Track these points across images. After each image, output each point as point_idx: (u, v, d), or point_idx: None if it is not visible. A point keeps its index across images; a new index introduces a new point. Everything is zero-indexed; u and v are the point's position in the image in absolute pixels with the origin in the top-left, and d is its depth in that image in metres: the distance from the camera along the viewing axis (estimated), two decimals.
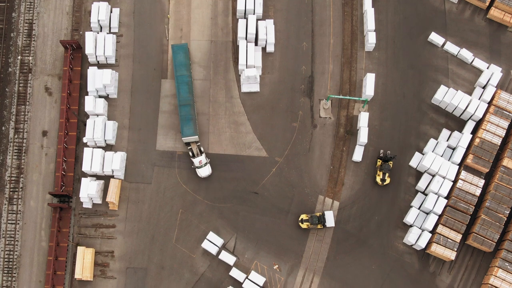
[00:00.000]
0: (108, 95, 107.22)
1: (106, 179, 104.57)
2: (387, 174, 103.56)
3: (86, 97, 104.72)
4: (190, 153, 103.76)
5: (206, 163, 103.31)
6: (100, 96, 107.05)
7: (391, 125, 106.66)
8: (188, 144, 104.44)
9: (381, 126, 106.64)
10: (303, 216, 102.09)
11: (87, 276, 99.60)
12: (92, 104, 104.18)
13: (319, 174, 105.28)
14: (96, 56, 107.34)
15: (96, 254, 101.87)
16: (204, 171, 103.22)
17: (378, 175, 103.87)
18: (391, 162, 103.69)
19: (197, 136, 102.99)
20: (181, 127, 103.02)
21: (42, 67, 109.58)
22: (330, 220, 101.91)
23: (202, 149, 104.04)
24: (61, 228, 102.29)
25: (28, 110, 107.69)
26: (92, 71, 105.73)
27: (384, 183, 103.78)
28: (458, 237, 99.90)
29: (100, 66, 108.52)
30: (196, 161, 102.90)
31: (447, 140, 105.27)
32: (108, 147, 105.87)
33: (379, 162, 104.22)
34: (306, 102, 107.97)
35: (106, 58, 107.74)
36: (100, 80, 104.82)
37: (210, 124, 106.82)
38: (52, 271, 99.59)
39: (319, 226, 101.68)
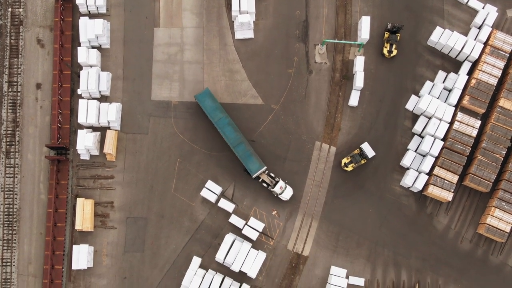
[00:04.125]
0: (100, 45, 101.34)
1: (102, 130, 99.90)
2: (394, 46, 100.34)
3: (78, 48, 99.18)
4: (265, 184, 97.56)
5: (286, 186, 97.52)
6: (92, 47, 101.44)
7: (387, 68, 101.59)
8: (257, 177, 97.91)
9: (376, 69, 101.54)
10: (344, 160, 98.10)
11: (88, 227, 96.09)
12: (85, 55, 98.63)
13: (316, 120, 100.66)
14: (87, 6, 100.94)
15: (95, 205, 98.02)
16: (288, 194, 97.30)
17: (385, 47, 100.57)
18: (399, 34, 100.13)
19: (265, 167, 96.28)
20: (246, 166, 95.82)
21: (33, 18, 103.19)
22: (369, 151, 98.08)
23: (272, 174, 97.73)
24: (60, 180, 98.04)
25: (21, 63, 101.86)
26: (83, 22, 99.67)
27: (391, 55, 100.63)
28: (454, 179, 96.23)
29: (91, 16, 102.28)
30: (277, 189, 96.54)
31: (443, 82, 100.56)
32: (103, 98, 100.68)
33: (386, 35, 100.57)
34: (301, 47, 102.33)
35: (97, 7, 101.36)
36: (92, 31, 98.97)
37: (204, 72, 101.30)
38: (52, 223, 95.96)
39: (362, 162, 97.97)
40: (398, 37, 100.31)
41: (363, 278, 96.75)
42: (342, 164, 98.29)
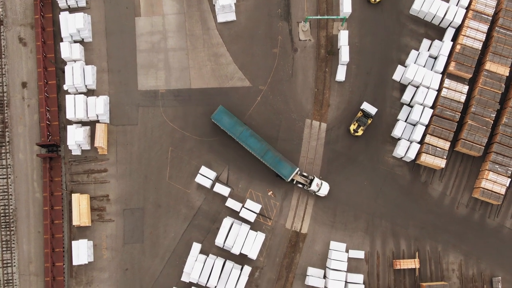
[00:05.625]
0: (83, 39, 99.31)
1: (91, 124, 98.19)
2: None
3: (61, 43, 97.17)
4: (300, 185, 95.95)
5: (321, 182, 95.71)
6: (75, 41, 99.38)
7: (371, 40, 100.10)
8: (292, 179, 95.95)
9: (361, 42, 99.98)
10: (352, 127, 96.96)
11: (85, 222, 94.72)
12: (68, 50, 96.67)
13: (304, 98, 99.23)
14: (66, 0, 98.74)
15: (91, 199, 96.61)
16: (325, 189, 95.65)
17: None
18: None
19: (297, 168, 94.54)
20: (278, 172, 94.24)
21: (13, 17, 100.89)
22: (371, 109, 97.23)
23: (305, 173, 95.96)
24: (53, 178, 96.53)
25: (4, 63, 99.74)
26: (64, 17, 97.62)
27: (377, 0, 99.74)
28: (446, 145, 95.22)
29: (71, 10, 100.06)
30: (313, 187, 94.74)
31: (428, 50, 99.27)
32: (89, 92, 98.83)
33: None
34: (284, 26, 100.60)
35: (77, 1, 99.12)
36: (73, 25, 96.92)
37: (189, 58, 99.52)
38: (49, 220, 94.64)
39: (369, 121, 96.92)
40: None
41: (362, 250, 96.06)
42: (352, 132, 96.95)
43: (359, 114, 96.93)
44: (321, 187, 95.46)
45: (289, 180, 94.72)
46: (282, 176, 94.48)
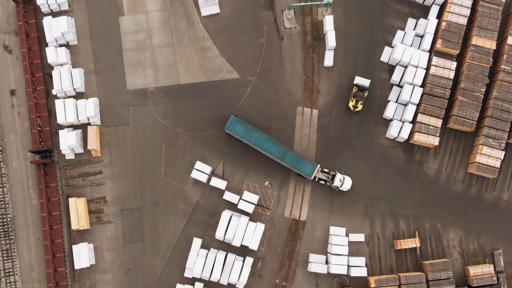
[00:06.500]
0: (68, 42, 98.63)
1: (83, 127, 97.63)
2: None
3: (46, 48, 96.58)
4: (322, 182, 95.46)
5: (343, 177, 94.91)
6: (60, 45, 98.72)
7: (356, 23, 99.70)
8: (314, 177, 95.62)
9: (347, 26, 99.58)
10: (351, 104, 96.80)
11: (84, 225, 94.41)
12: (54, 55, 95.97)
13: (294, 86, 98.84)
14: (49, 5, 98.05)
15: (88, 202, 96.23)
16: (348, 184, 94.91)
17: None
18: None
19: (318, 165, 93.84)
20: (300, 172, 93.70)
21: None
22: (365, 82, 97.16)
23: (325, 169, 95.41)
24: (49, 183, 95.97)
25: None
26: (47, 21, 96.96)
27: None
28: (438, 123, 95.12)
29: (54, 14, 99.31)
30: (336, 182, 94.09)
31: (414, 29, 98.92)
32: (79, 95, 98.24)
33: None
34: (269, 15, 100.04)
35: (59, 5, 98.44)
36: (57, 29, 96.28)
37: (176, 54, 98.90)
38: (48, 226, 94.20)
39: (366, 94, 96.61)
40: None
41: (362, 233, 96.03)
42: (351, 108, 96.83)
43: (354, 89, 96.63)
44: (344, 182, 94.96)
45: (311, 178, 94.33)
46: (304, 175, 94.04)
